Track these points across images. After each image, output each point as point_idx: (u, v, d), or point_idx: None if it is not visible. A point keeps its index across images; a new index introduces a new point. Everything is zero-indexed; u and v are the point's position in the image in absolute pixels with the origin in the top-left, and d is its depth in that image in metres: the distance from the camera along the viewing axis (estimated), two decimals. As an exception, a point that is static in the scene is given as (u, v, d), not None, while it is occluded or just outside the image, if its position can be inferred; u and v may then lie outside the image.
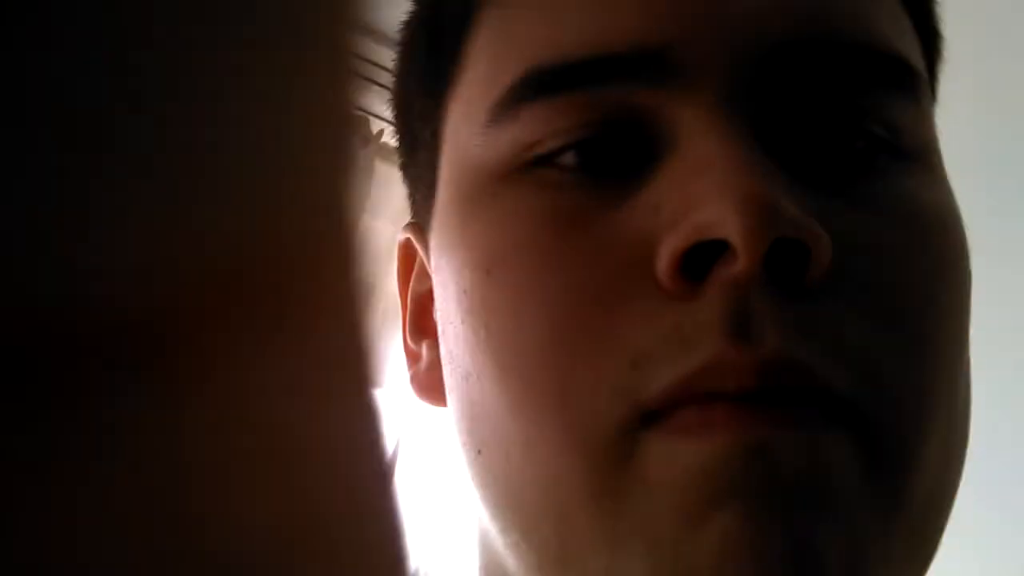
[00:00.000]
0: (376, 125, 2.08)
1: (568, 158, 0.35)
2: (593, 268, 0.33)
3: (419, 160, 0.41)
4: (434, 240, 0.39)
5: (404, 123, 0.43)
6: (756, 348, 0.31)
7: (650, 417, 0.32)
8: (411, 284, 0.43)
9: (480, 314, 0.35)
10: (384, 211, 2.02)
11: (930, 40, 0.42)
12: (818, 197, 0.34)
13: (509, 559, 0.35)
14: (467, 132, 0.37)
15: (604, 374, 0.32)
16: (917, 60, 0.38)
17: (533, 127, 0.35)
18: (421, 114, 0.41)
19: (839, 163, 0.35)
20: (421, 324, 0.43)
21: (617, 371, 0.32)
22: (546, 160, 0.35)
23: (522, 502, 0.34)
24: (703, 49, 0.34)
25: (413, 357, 0.43)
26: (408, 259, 0.44)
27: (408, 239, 0.43)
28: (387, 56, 0.45)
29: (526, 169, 0.35)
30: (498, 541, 0.36)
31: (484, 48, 0.37)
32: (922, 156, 0.37)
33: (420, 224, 0.42)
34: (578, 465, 0.32)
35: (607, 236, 0.34)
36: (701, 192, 0.32)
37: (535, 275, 0.34)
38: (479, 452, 0.35)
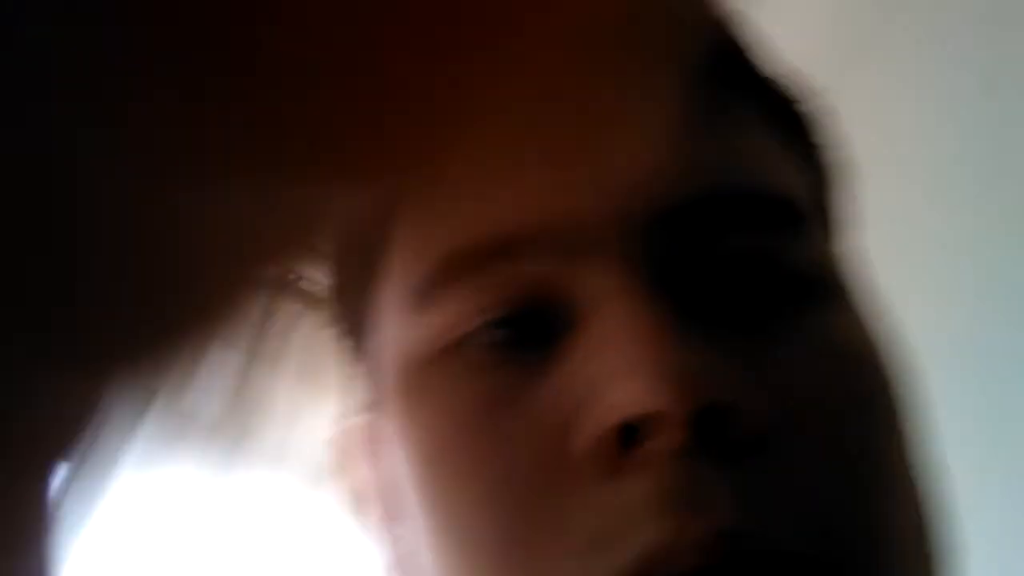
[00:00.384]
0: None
1: (488, 336, 0.35)
2: (526, 454, 0.33)
3: (367, 350, 0.41)
4: (389, 427, 0.39)
5: (346, 320, 0.43)
6: (709, 518, 0.31)
7: None
8: (382, 467, 0.41)
9: (432, 510, 0.35)
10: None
11: (816, 166, 0.42)
12: (735, 346, 0.34)
13: None
14: (395, 322, 0.38)
15: (565, 557, 0.32)
16: (799, 192, 0.38)
17: (452, 309, 0.36)
18: (357, 310, 0.41)
19: (752, 308, 0.35)
20: (397, 507, 0.40)
21: (579, 551, 0.32)
22: (468, 340, 0.36)
23: None
24: (595, 221, 0.34)
25: (392, 542, 0.41)
26: (373, 441, 0.42)
27: (372, 422, 0.42)
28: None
29: (451, 352, 0.36)
30: None
31: (403, 246, 0.38)
32: (827, 288, 0.37)
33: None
34: None
35: (533, 417, 0.34)
36: (612, 367, 0.32)
37: (473, 470, 0.34)
38: None
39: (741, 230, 0.35)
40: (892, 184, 1.16)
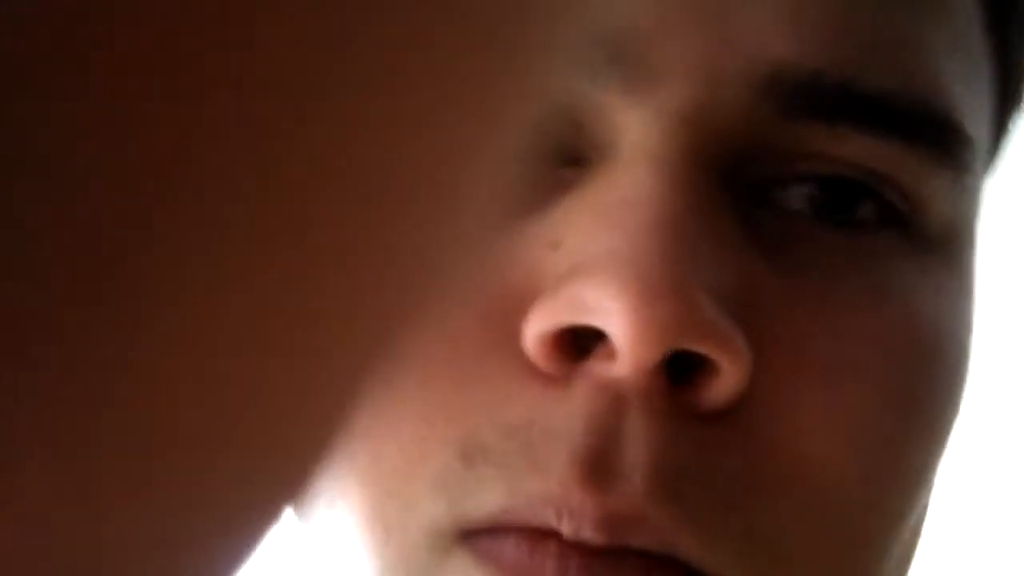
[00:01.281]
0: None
1: None
2: (476, 305, 0.27)
3: None
4: None
5: None
6: (610, 492, 0.25)
7: (467, 532, 0.27)
8: None
9: None
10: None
11: (1012, 85, 0.33)
12: (770, 281, 0.27)
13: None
14: None
15: (428, 457, 0.27)
16: (974, 120, 0.30)
17: None
18: None
19: (825, 238, 0.28)
20: None
21: (443, 460, 0.27)
22: None
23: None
24: (680, 49, 0.27)
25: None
26: None
27: None
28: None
29: None
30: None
31: None
32: (945, 244, 0.29)
33: None
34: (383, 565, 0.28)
35: (499, 256, 0.28)
36: (595, 252, 0.26)
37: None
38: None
39: (879, 146, 0.28)
40: None
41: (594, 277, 0.25)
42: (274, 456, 0.10)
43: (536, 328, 0.26)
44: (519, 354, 0.26)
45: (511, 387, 0.26)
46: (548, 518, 0.25)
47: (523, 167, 0.25)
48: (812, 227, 0.28)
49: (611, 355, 0.25)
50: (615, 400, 0.25)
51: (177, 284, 0.08)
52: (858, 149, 0.28)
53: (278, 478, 0.10)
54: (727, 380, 0.26)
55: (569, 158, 0.28)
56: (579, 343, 0.26)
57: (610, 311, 0.25)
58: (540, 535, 0.25)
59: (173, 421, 0.09)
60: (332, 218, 0.09)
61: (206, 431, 0.09)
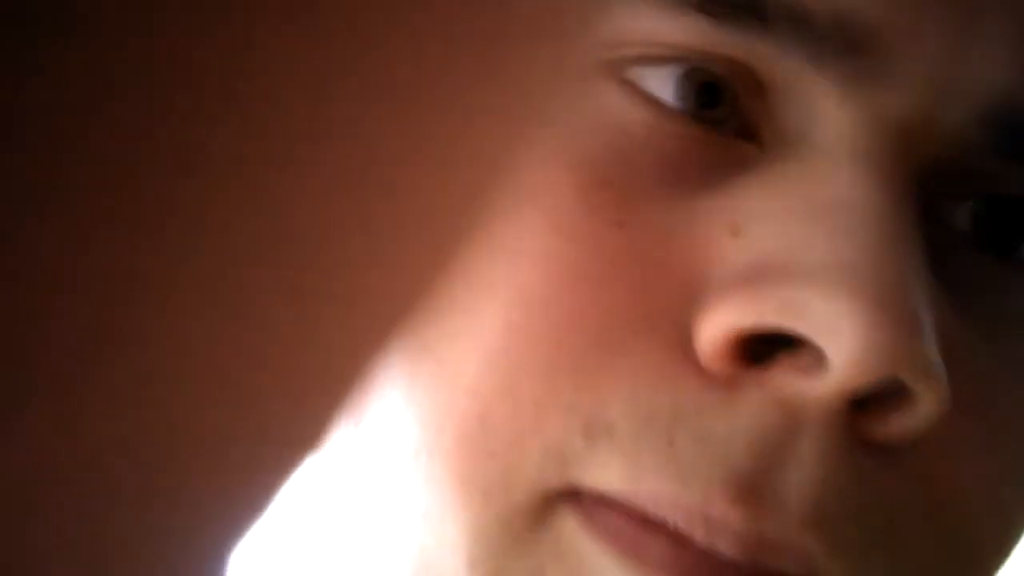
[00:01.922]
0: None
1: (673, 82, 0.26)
2: (624, 269, 0.25)
3: None
4: None
5: None
6: (761, 514, 0.24)
7: (577, 494, 0.25)
8: None
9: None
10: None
11: None
12: (949, 309, 0.26)
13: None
14: None
15: (545, 425, 0.25)
16: None
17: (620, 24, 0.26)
18: None
19: (987, 266, 0.27)
20: None
21: (563, 430, 0.24)
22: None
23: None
24: (917, 56, 0.25)
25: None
26: None
27: None
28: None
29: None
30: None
31: None
32: None
33: None
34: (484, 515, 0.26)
35: (666, 224, 0.25)
36: (813, 257, 0.23)
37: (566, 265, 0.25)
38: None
39: None
40: None
41: (821, 285, 0.23)
42: (294, 401, 0.10)
43: (724, 323, 0.24)
44: (676, 339, 0.24)
45: (661, 371, 0.24)
46: (675, 518, 0.24)
47: (695, 126, 0.25)
48: (976, 252, 0.27)
49: (805, 369, 0.23)
50: (791, 420, 0.24)
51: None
52: None
53: (299, 423, 0.10)
54: (921, 417, 0.24)
55: (744, 129, 0.26)
56: (758, 348, 0.24)
57: (838, 326, 0.23)
58: (654, 529, 0.24)
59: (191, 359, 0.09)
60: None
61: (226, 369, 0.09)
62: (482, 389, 0.25)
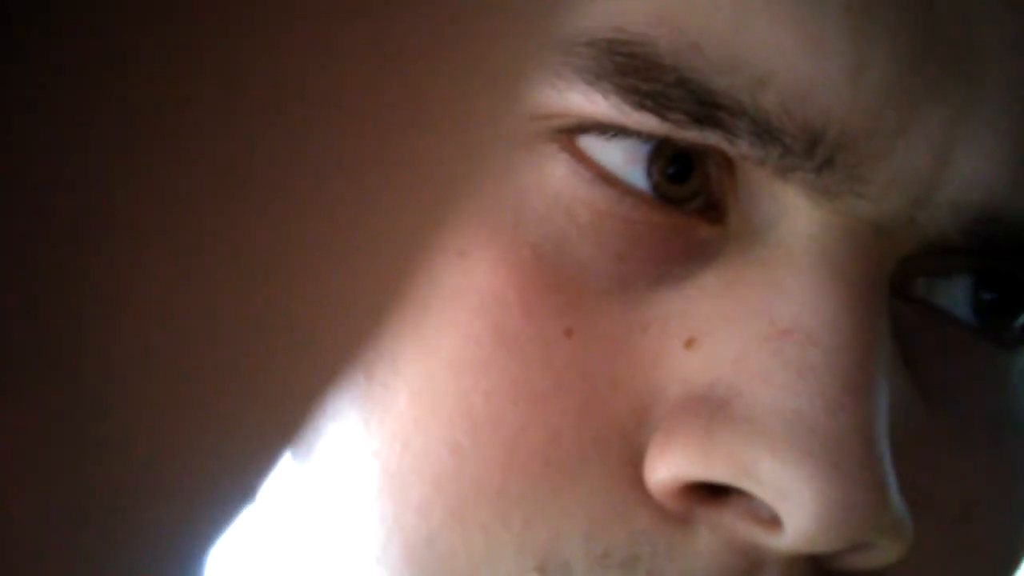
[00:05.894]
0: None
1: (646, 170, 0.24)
2: (574, 384, 0.23)
3: None
4: None
5: None
6: None
7: None
8: None
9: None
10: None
11: None
12: (919, 414, 0.25)
13: None
14: None
15: (498, 562, 0.23)
16: None
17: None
18: None
19: (966, 343, 0.26)
20: None
21: (517, 569, 0.23)
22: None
23: None
24: (895, 158, 0.23)
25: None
26: None
27: None
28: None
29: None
30: None
31: None
32: None
33: None
34: None
35: (618, 331, 0.24)
36: (767, 399, 0.22)
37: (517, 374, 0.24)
38: None
39: None
40: None
41: (773, 442, 0.22)
42: (272, 400, 0.10)
43: (673, 470, 0.23)
44: (628, 459, 0.23)
45: (613, 505, 0.23)
46: None
47: (653, 209, 0.22)
48: (951, 326, 0.26)
49: (761, 521, 0.22)
50: (749, 563, 0.23)
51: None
52: None
53: (276, 421, 0.10)
54: (884, 558, 0.23)
55: (710, 206, 0.24)
56: (714, 485, 0.23)
57: (791, 493, 0.21)
58: None
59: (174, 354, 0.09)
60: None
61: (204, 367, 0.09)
62: (430, 510, 0.24)
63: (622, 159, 0.24)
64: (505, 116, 0.10)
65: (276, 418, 0.10)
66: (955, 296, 0.26)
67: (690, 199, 0.24)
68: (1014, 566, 0.27)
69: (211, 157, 0.08)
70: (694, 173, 0.24)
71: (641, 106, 0.23)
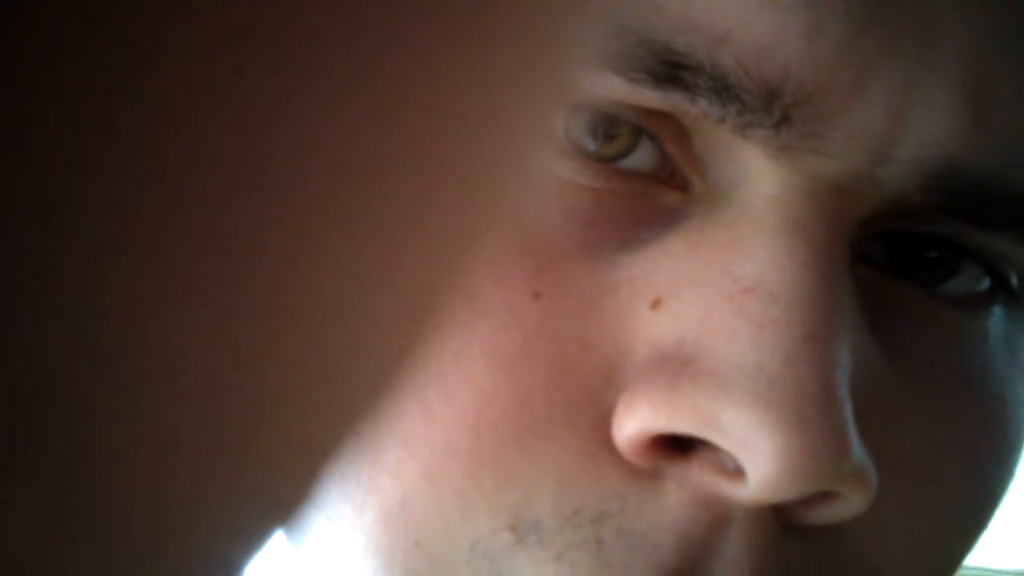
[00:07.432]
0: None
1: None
2: (543, 347, 0.24)
3: None
4: None
5: None
6: None
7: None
8: None
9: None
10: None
11: None
12: (884, 372, 0.25)
13: None
14: None
15: (470, 521, 0.24)
16: None
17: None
18: None
19: (922, 304, 0.27)
20: None
21: (489, 527, 0.24)
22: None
23: None
24: (854, 115, 0.23)
25: None
26: None
27: None
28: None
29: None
30: None
31: None
32: None
33: None
34: None
35: (585, 293, 0.24)
36: (730, 354, 0.23)
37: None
38: None
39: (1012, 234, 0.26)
40: None
41: (736, 393, 0.22)
42: (275, 467, 0.10)
43: (639, 424, 0.23)
44: (597, 420, 0.24)
45: (583, 464, 0.24)
46: None
47: (615, 178, 0.22)
48: (914, 291, 0.26)
49: (725, 472, 0.23)
50: (716, 516, 0.23)
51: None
52: (999, 246, 0.27)
53: (278, 489, 0.10)
54: (848, 512, 0.24)
55: (672, 176, 0.25)
56: (680, 440, 0.24)
57: (753, 442, 0.22)
58: None
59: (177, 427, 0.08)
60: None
61: (206, 442, 0.09)
62: (403, 472, 0.24)
63: (583, 128, 0.24)
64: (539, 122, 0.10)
65: (272, 492, 0.10)
66: (916, 259, 0.27)
67: (654, 172, 0.25)
68: (980, 527, 0.28)
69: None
70: (643, 143, 0.25)
71: (606, 68, 0.23)
